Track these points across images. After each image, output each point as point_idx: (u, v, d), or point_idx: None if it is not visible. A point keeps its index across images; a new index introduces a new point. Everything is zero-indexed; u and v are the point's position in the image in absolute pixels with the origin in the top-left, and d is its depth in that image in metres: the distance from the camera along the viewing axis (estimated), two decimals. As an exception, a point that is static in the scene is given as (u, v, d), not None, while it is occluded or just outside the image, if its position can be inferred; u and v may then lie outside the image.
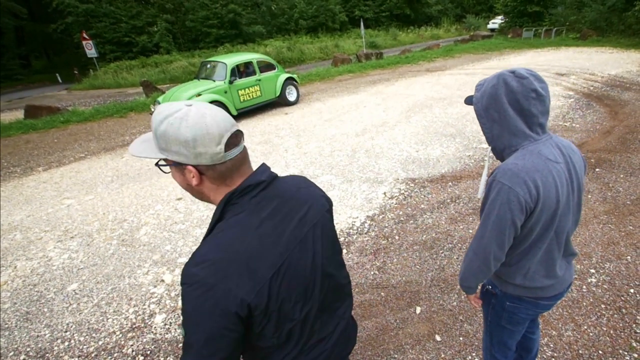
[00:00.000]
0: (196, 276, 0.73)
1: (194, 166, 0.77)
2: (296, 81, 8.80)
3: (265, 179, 0.85)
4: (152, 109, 7.10)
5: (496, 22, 27.97)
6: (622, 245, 2.97)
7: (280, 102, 8.47)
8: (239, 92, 7.43)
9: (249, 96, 7.66)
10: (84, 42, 16.27)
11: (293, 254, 0.83)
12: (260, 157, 5.47)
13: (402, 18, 31.09)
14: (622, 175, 4.12)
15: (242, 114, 7.78)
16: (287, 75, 8.51)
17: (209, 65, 7.73)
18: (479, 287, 1.41)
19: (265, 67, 8.07)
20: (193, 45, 22.05)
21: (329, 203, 1.01)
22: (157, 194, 4.42)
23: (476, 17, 33.12)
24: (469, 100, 1.26)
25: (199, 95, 6.78)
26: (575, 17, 20.00)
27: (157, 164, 0.83)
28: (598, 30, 18.04)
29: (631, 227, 3.20)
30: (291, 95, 8.64)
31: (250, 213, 0.80)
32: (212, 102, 6.84)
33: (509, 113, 1.10)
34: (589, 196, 3.74)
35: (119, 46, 20.21)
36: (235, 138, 0.80)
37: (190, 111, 0.75)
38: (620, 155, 4.63)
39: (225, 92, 7.18)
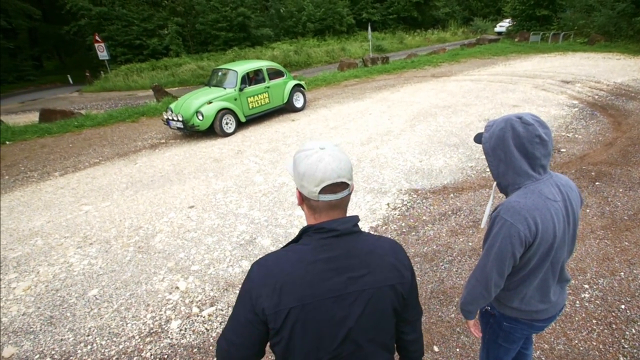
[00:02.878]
0: (253, 271, 0.94)
1: (298, 190, 0.97)
2: (303, 87, 8.96)
3: (340, 229, 0.93)
4: (165, 116, 7.30)
5: (503, 25, 27.86)
6: (616, 262, 3.08)
7: (287, 108, 8.64)
8: (248, 99, 7.61)
9: (258, 103, 7.84)
10: (96, 45, 16.60)
11: (323, 302, 0.90)
12: (268, 165, 5.64)
13: (410, 21, 31.09)
14: (621, 190, 4.21)
15: (250, 121, 7.96)
16: (295, 82, 8.67)
17: (220, 73, 7.93)
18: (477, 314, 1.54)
19: (274, 73, 8.25)
20: (202, 48, 22.33)
21: (400, 279, 0.98)
22: (170, 201, 4.61)
23: (484, 20, 33.01)
24: (478, 139, 1.40)
25: (209, 102, 6.98)
26: (584, 21, 19.91)
27: None
28: (606, 35, 17.96)
29: (626, 243, 3.30)
30: (298, 102, 8.80)
31: (312, 249, 0.92)
32: (221, 109, 7.04)
33: (514, 155, 1.23)
34: (587, 210, 3.84)
35: (130, 49, 20.53)
36: (335, 187, 0.92)
37: (315, 153, 0.93)
38: (620, 169, 4.71)
39: (235, 99, 7.37)
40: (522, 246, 1.22)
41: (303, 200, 0.98)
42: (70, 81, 20.87)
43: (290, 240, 1.02)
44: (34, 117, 10.58)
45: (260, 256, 1.00)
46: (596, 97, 8.36)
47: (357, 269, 0.93)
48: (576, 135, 6.03)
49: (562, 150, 5.47)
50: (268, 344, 0.97)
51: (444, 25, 32.27)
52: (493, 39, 22.00)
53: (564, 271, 1.40)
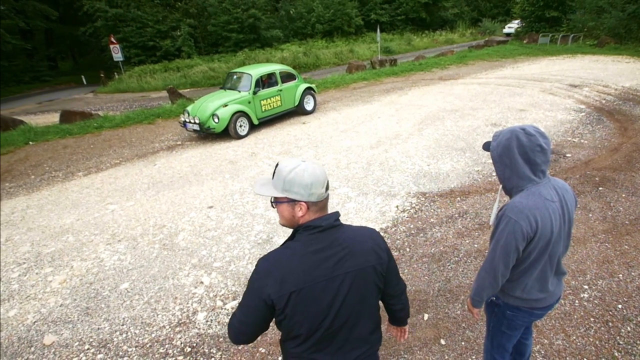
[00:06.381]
0: (259, 265, 1.16)
1: (305, 202, 1.15)
2: (314, 90, 9.18)
3: (324, 225, 1.15)
4: (182, 119, 7.59)
5: (512, 26, 27.79)
6: (615, 264, 3.25)
7: (297, 111, 8.86)
8: (261, 102, 7.86)
9: (270, 106, 8.09)
10: (111, 46, 17.04)
11: (317, 285, 1.11)
12: (281, 167, 5.86)
13: (418, 22, 31.14)
14: (624, 195, 4.35)
15: (262, 124, 8.20)
16: (306, 85, 8.90)
17: (235, 77, 8.19)
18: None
19: (286, 77, 8.48)
20: (213, 49, 22.71)
21: (378, 260, 1.22)
22: (190, 201, 4.87)
23: (492, 21, 32.89)
24: (486, 147, 1.62)
25: (225, 105, 7.24)
26: (593, 23, 19.82)
27: (272, 201, 1.22)
28: (616, 38, 17.87)
29: (626, 247, 3.46)
30: (308, 105, 9.02)
31: (303, 244, 1.15)
32: (236, 112, 7.30)
33: (518, 161, 1.44)
34: (590, 215, 4.00)
35: (144, 50, 20.98)
36: (328, 184, 1.20)
37: (307, 166, 1.15)
38: (624, 174, 4.85)
39: (249, 102, 7.62)
40: (524, 240, 1.43)
41: (308, 208, 1.16)
42: (84, 82, 21.39)
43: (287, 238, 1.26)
44: (52, 118, 10.98)
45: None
46: (604, 101, 8.45)
47: (341, 255, 1.15)
48: (582, 141, 6.15)
49: (568, 155, 5.60)
50: (273, 321, 1.21)
51: (452, 27, 32.22)
52: (501, 41, 21.98)
53: (560, 265, 1.61)
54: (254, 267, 1.18)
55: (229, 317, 1.30)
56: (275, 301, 1.10)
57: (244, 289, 3.19)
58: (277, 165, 1.20)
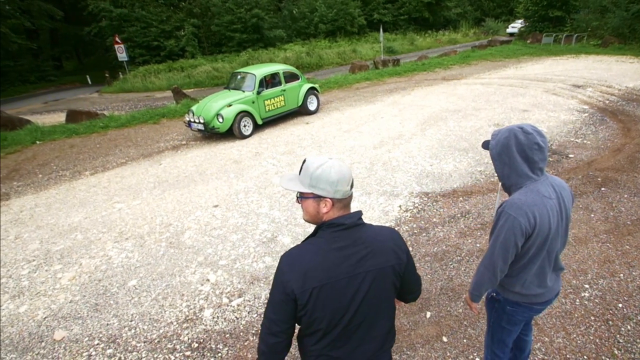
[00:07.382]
0: (282, 261, 1.18)
1: (330, 198, 1.18)
2: (317, 90, 9.22)
3: (347, 223, 1.17)
4: (186, 118, 7.67)
5: (515, 26, 27.70)
6: (617, 264, 3.28)
7: (301, 111, 8.92)
8: (265, 102, 7.92)
9: (274, 106, 8.14)
10: (116, 46, 17.17)
11: (339, 282, 1.14)
12: (285, 167, 5.93)
13: (421, 22, 31.11)
14: (626, 195, 4.37)
15: (266, 123, 8.25)
16: (310, 85, 8.95)
17: (239, 77, 8.26)
18: (483, 298, 1.79)
19: (290, 77, 8.53)
20: (216, 49, 22.83)
21: (397, 260, 1.23)
22: (196, 200, 4.94)
23: (496, 21, 32.80)
24: (485, 145, 1.67)
25: (229, 105, 7.31)
26: (597, 22, 19.74)
27: (298, 196, 1.24)
28: (620, 38, 17.79)
29: (628, 247, 3.49)
30: (312, 105, 9.07)
31: (326, 241, 1.17)
32: (240, 112, 7.36)
33: (517, 159, 1.49)
34: (592, 215, 4.03)
35: (148, 50, 21.12)
36: (353, 183, 1.22)
37: (334, 163, 1.18)
38: (627, 175, 4.87)
39: (253, 102, 7.68)
40: (523, 236, 1.47)
41: (333, 205, 1.17)
42: (89, 81, 21.54)
43: (308, 235, 1.27)
44: (58, 117, 11.10)
45: (283, 251, 1.26)
46: (607, 102, 8.44)
47: (363, 254, 1.18)
48: (585, 141, 6.17)
49: (570, 155, 5.62)
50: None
51: (455, 26, 32.17)
52: (505, 41, 21.91)
53: (558, 260, 1.65)
54: (277, 264, 1.20)
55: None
56: (298, 296, 1.12)
57: (249, 287, 3.28)
58: (304, 161, 1.22)
